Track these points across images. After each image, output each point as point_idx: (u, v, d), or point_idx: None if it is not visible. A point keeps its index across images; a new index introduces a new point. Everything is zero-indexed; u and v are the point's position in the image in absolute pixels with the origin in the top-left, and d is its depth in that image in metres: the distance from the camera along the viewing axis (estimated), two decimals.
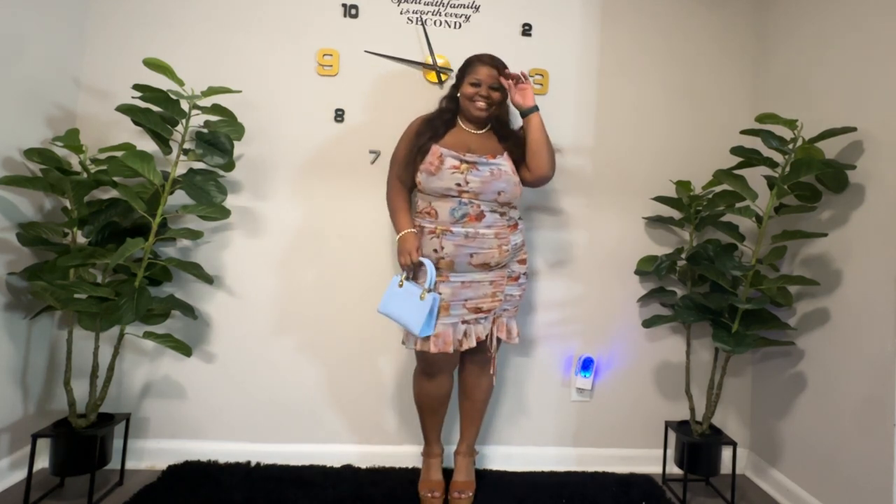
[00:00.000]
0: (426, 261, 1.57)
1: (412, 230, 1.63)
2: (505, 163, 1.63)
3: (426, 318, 1.52)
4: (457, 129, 1.70)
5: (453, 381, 1.73)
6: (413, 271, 1.62)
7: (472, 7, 1.99)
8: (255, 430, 1.93)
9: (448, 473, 1.78)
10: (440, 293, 1.57)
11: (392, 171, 1.74)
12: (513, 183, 1.62)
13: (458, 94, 1.68)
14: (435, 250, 1.59)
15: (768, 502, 1.84)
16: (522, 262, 1.71)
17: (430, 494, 1.68)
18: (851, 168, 1.59)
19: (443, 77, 1.95)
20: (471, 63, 1.67)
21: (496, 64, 1.65)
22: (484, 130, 1.71)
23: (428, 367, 1.66)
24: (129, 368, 1.89)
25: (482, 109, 1.64)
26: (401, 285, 1.58)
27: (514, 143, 1.68)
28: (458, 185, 1.57)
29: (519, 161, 1.66)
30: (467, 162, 1.59)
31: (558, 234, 2.02)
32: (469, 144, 1.65)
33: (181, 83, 1.60)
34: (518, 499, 1.74)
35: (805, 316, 1.78)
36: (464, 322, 1.61)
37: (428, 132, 1.65)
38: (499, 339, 1.69)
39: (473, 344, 1.61)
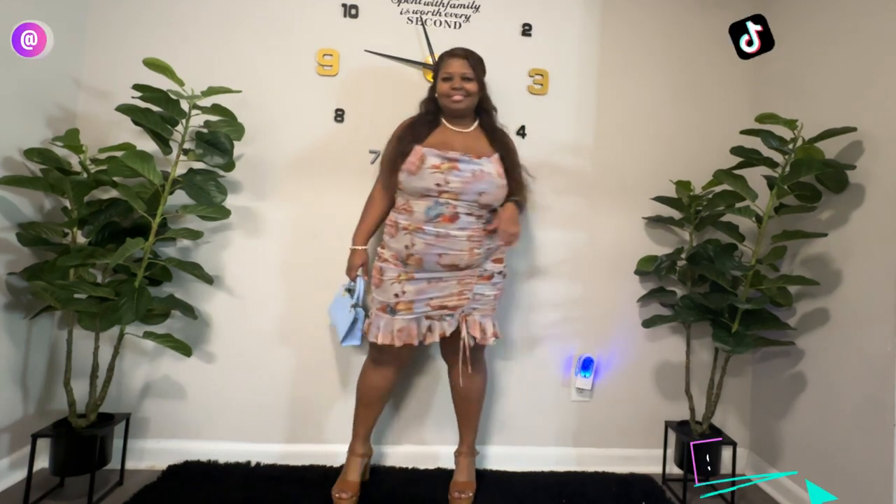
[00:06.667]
0: (360, 280, 1.71)
1: (363, 248, 1.72)
2: (490, 164, 1.60)
3: (348, 329, 1.68)
4: (441, 129, 1.66)
5: (398, 379, 1.72)
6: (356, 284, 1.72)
7: (472, 7, 1.99)
8: (255, 430, 1.93)
9: (449, 474, 1.79)
10: (404, 291, 1.58)
11: (379, 176, 1.74)
12: (496, 186, 1.58)
13: (437, 94, 1.67)
14: (406, 246, 1.58)
15: (768, 502, 1.84)
16: (498, 260, 1.67)
17: (338, 495, 1.62)
18: (851, 168, 1.59)
19: None
20: (442, 59, 1.66)
21: (467, 55, 1.63)
22: (471, 129, 1.68)
23: (380, 355, 1.66)
24: (129, 368, 1.89)
25: (458, 101, 1.62)
26: (344, 295, 1.72)
27: (503, 148, 1.66)
28: (438, 184, 1.55)
29: (509, 168, 1.63)
30: (449, 160, 1.57)
31: (558, 234, 2.02)
32: (453, 144, 1.62)
33: (181, 83, 1.60)
34: (518, 499, 1.74)
35: (805, 316, 1.78)
36: (427, 318, 1.61)
37: (410, 135, 1.63)
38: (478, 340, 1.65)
39: (436, 339, 1.61)
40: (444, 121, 1.68)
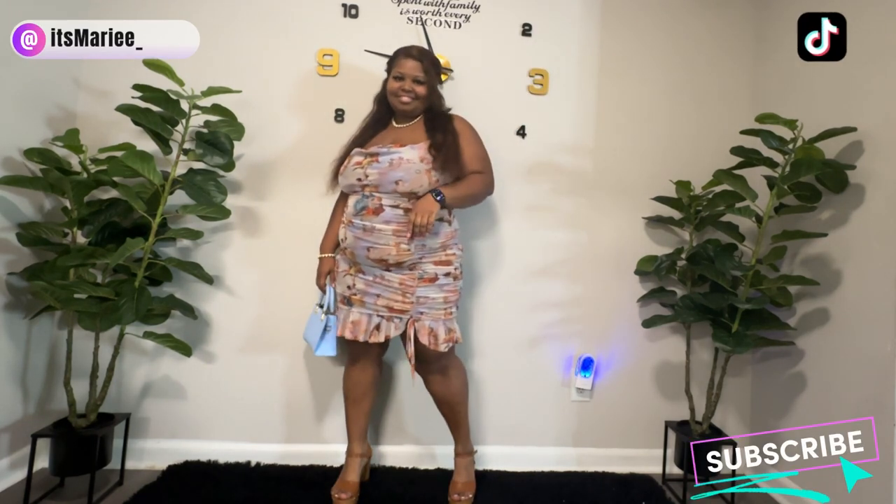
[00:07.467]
0: (329, 288, 1.70)
1: (329, 255, 1.73)
2: (411, 152, 1.55)
3: (321, 335, 1.65)
4: (388, 130, 1.68)
5: (377, 373, 1.74)
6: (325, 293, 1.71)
7: (472, 7, 1.99)
8: (255, 430, 1.93)
9: (448, 473, 1.79)
10: (355, 284, 1.60)
11: None
12: (413, 172, 1.52)
13: (387, 90, 1.66)
14: (342, 239, 1.63)
15: (768, 502, 1.84)
16: (443, 263, 1.59)
17: (338, 496, 1.62)
18: (851, 168, 1.59)
19: (443, 77, 1.95)
20: (396, 56, 1.65)
21: (422, 57, 1.62)
22: (412, 123, 1.67)
23: (352, 349, 1.72)
24: (129, 368, 1.89)
25: (406, 103, 1.62)
26: (316, 312, 1.70)
27: (443, 136, 1.58)
28: (359, 179, 1.57)
29: (452, 155, 1.57)
30: (369, 155, 1.58)
31: (558, 234, 2.02)
32: (386, 139, 1.63)
33: (181, 83, 1.60)
34: (518, 499, 1.74)
35: (805, 316, 1.78)
36: (378, 315, 1.60)
37: (355, 143, 1.67)
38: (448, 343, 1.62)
39: (381, 339, 1.58)
40: (392, 122, 1.70)
